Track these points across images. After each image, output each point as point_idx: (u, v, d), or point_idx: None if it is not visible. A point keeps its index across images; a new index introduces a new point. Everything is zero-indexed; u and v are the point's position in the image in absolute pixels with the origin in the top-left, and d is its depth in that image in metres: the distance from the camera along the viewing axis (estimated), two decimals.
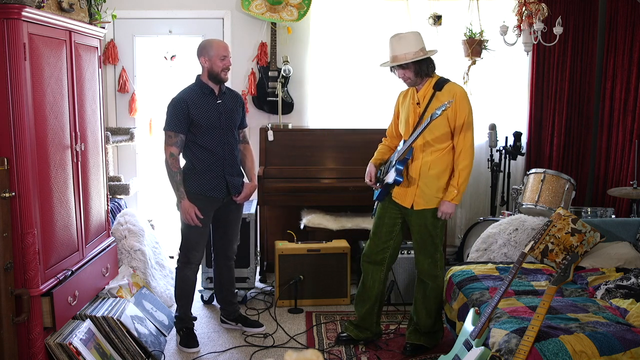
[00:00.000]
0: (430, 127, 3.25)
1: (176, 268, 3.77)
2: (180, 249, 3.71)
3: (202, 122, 3.51)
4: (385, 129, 3.70)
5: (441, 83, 3.34)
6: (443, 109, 3.08)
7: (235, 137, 3.69)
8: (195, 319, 4.00)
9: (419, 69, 3.30)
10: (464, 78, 4.83)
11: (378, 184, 3.54)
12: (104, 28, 3.72)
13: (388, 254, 3.56)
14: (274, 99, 5.09)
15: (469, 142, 3.32)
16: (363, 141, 4.83)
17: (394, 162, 3.40)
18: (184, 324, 3.75)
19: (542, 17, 4.28)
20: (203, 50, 3.52)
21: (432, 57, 3.34)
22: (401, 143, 3.45)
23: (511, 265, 3.51)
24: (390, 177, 3.37)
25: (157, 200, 5.53)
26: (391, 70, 3.42)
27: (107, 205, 3.83)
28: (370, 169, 3.59)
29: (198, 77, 3.61)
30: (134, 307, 3.64)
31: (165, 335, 3.77)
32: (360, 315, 3.66)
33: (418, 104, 3.38)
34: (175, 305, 3.87)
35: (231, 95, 3.71)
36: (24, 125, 2.76)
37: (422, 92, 3.37)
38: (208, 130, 3.53)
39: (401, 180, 3.33)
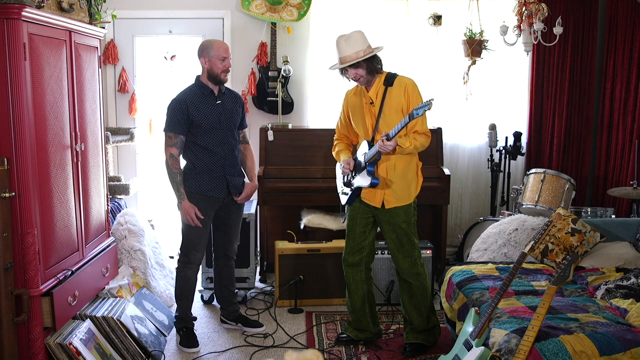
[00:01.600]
0: (387, 123, 3.26)
1: (176, 268, 3.77)
2: (180, 249, 3.71)
3: (202, 122, 3.51)
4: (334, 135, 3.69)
5: (390, 78, 3.34)
6: (425, 109, 2.98)
7: (235, 137, 3.69)
8: (195, 319, 4.00)
9: (371, 65, 3.31)
10: (464, 78, 4.83)
11: (346, 188, 3.52)
12: (104, 28, 3.72)
13: (365, 253, 3.56)
14: (274, 99, 5.09)
15: (425, 128, 3.32)
16: None
17: (363, 165, 3.37)
18: (184, 323, 3.75)
19: (542, 17, 4.28)
20: (204, 51, 3.52)
21: (378, 53, 3.34)
22: (364, 144, 3.40)
23: (511, 265, 3.50)
24: (365, 181, 3.33)
25: (157, 200, 5.53)
26: (341, 72, 3.42)
27: (107, 205, 3.83)
28: (347, 159, 3.49)
29: (197, 77, 3.61)
30: (134, 307, 3.64)
31: (165, 335, 3.77)
32: (354, 318, 3.66)
33: (372, 103, 3.37)
34: (175, 305, 3.87)
35: (231, 95, 3.71)
36: (24, 125, 2.76)
37: (373, 90, 3.36)
38: (208, 131, 3.53)
39: (378, 182, 3.31)
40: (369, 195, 3.42)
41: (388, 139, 3.15)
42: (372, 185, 3.32)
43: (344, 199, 3.58)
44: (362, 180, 3.38)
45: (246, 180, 3.80)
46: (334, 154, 3.66)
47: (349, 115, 3.54)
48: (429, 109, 2.99)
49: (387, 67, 3.45)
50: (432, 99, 3.02)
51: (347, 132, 3.62)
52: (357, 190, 3.45)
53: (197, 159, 3.57)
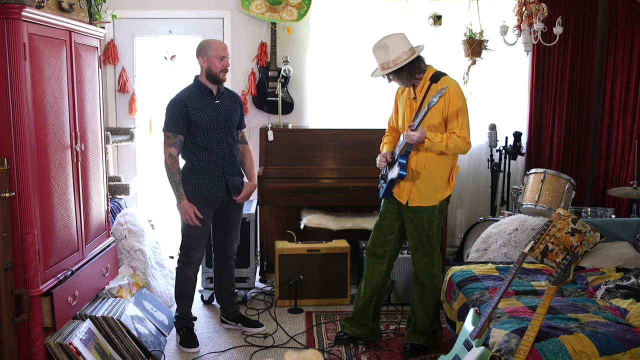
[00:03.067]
0: (425, 119, 3.25)
1: (176, 268, 3.77)
2: (180, 249, 3.71)
3: (201, 122, 3.51)
4: (386, 129, 3.70)
5: (437, 76, 3.34)
6: (439, 95, 3.06)
7: (234, 137, 3.69)
8: (195, 319, 4.00)
9: (412, 68, 3.30)
10: (464, 78, 4.83)
11: (382, 181, 3.55)
12: (104, 28, 3.72)
13: (389, 248, 3.56)
14: (274, 99, 5.09)
15: (464, 133, 3.29)
16: (363, 141, 4.84)
17: (396, 157, 3.40)
18: (184, 323, 3.75)
19: (542, 17, 4.28)
20: (202, 51, 3.52)
21: (421, 53, 3.32)
22: (401, 137, 3.44)
23: (511, 265, 3.50)
24: (395, 172, 3.36)
25: (157, 200, 5.53)
26: (383, 76, 3.42)
27: (107, 205, 3.83)
28: (383, 153, 3.51)
29: (196, 77, 3.61)
30: (134, 307, 3.64)
31: (165, 335, 3.77)
32: (357, 306, 3.65)
33: (414, 98, 3.38)
34: (175, 305, 3.87)
35: (229, 95, 3.71)
36: (24, 125, 2.76)
37: (419, 86, 3.37)
38: (207, 131, 3.54)
39: (405, 174, 3.31)
40: (398, 190, 3.43)
41: (412, 129, 3.19)
42: (400, 177, 3.32)
43: (380, 193, 3.59)
44: (392, 172, 3.41)
45: (245, 179, 3.80)
46: (380, 146, 3.66)
47: (398, 109, 3.55)
48: (442, 95, 3.07)
49: None
50: (447, 86, 3.12)
51: (396, 127, 3.61)
52: (392, 183, 3.45)
53: (196, 159, 3.57)
